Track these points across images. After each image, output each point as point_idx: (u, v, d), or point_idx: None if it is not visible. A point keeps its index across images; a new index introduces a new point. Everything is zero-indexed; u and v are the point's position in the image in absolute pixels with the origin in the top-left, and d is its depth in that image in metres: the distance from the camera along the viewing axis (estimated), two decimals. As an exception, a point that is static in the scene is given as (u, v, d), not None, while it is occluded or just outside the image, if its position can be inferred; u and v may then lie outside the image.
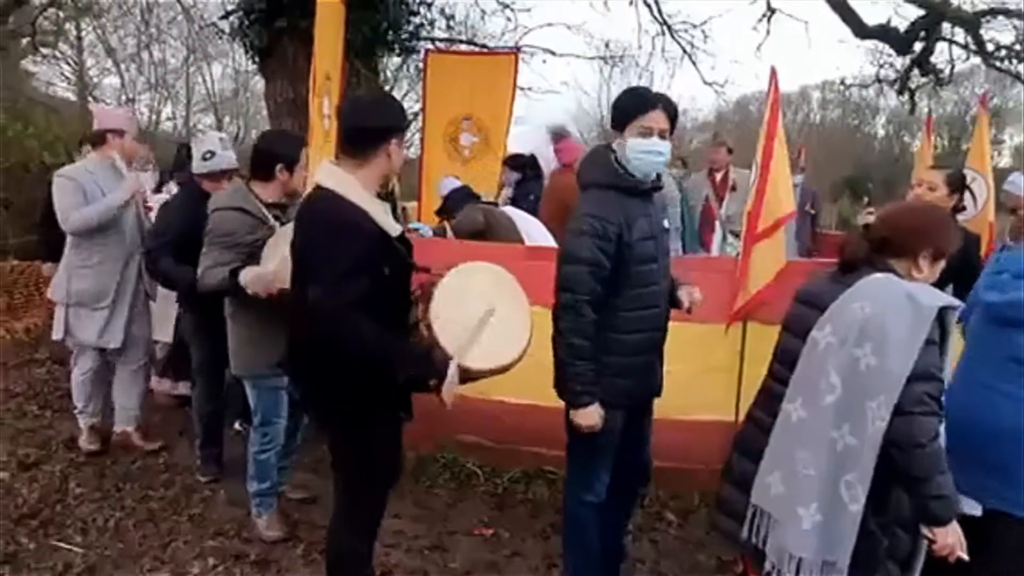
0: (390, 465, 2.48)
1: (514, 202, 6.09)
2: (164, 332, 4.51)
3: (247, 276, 2.87)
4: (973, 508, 2.30)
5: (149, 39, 13.01)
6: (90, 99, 13.79)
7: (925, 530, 2.01)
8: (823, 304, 2.10)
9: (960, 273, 2.84)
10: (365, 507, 2.48)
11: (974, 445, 2.27)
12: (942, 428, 2.02)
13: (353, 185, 2.21)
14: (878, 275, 2.07)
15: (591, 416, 2.51)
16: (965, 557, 2.01)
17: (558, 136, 6.01)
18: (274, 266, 2.83)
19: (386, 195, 2.47)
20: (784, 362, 2.21)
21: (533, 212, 6.16)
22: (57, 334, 4.01)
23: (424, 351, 2.19)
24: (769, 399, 2.25)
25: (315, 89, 4.94)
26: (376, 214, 2.20)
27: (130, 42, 13.58)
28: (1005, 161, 30.80)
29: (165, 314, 4.38)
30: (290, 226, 2.69)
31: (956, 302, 2.01)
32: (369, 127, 2.26)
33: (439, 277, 2.33)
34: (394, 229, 2.25)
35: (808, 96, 29.78)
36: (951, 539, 1.99)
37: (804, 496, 2.05)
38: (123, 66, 14.45)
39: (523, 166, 6.49)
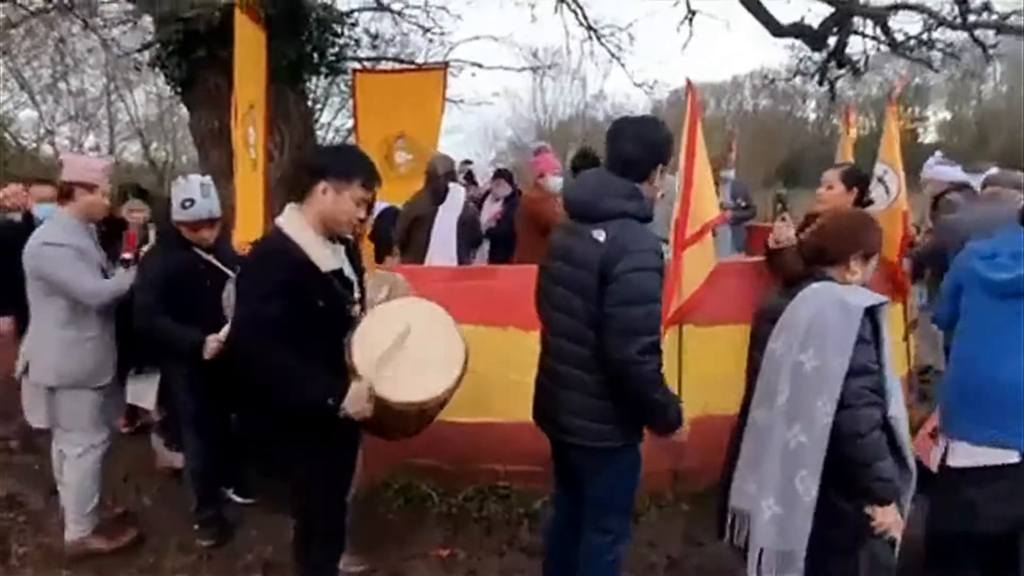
0: (339, 493, 2.58)
1: (504, 216, 6.15)
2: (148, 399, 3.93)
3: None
4: (1011, 456, 2.56)
5: (65, 69, 12.56)
6: (6, 134, 13.28)
7: (868, 509, 2.21)
8: (775, 317, 2.32)
9: None
10: (328, 538, 2.57)
11: (1011, 401, 2.54)
12: (901, 411, 2.25)
13: (298, 223, 2.36)
14: (816, 284, 2.28)
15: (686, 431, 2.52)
16: (898, 537, 2.22)
17: (538, 149, 6.01)
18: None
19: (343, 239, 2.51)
20: (755, 374, 2.42)
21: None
22: (43, 422, 3.41)
23: (327, 377, 2.30)
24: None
25: (238, 119, 4.88)
26: (312, 249, 2.32)
27: (45, 73, 13.12)
28: (931, 136, 32.29)
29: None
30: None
31: (882, 299, 2.22)
32: (304, 165, 2.51)
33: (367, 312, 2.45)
34: (329, 265, 2.35)
35: (741, 85, 30.58)
36: (890, 518, 2.19)
37: (765, 491, 2.24)
38: (39, 98, 13.94)
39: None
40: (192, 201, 3.30)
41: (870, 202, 3.60)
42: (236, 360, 2.38)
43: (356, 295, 2.50)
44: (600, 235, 2.37)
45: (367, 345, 2.37)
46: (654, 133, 2.50)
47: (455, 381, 2.42)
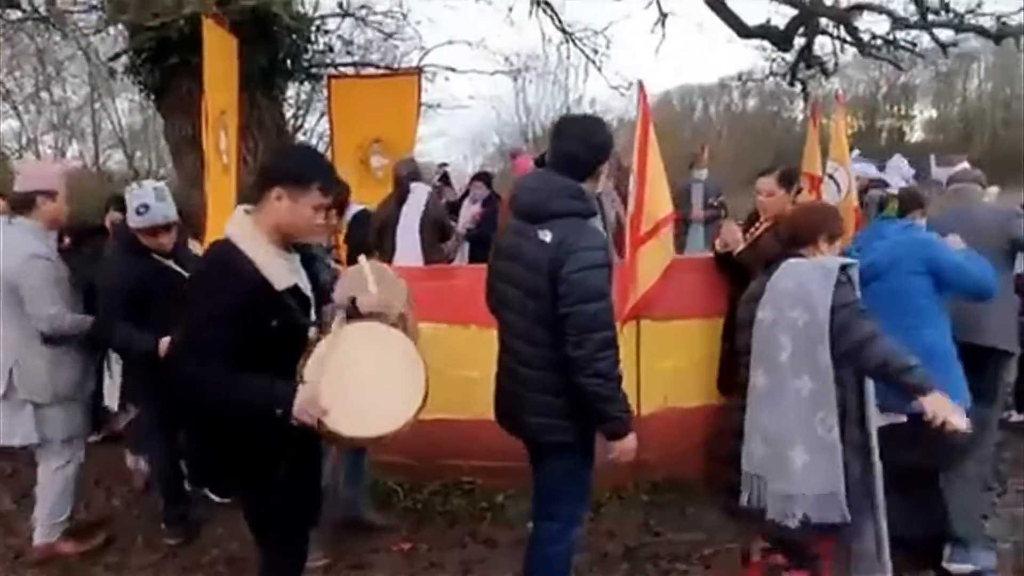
0: (299, 516, 2.41)
1: (484, 218, 6.34)
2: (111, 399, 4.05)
3: (365, 302, 2.76)
4: (899, 417, 2.78)
5: (48, 79, 12.61)
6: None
7: (917, 405, 2.32)
8: (759, 295, 2.61)
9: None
10: (286, 565, 2.43)
11: None
12: None
13: (250, 232, 2.17)
14: (791, 260, 2.60)
15: (634, 441, 2.51)
16: (960, 425, 2.29)
17: (515, 152, 6.17)
18: (376, 290, 2.76)
19: (303, 246, 2.37)
20: (748, 352, 2.65)
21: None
22: (30, 438, 3.34)
23: (272, 383, 2.11)
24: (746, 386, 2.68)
25: (209, 125, 4.95)
26: (266, 265, 2.13)
27: (27, 83, 13.14)
28: (917, 135, 32.59)
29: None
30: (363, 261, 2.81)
31: (852, 261, 2.56)
32: (260, 170, 2.32)
33: (323, 336, 2.25)
34: (284, 283, 2.16)
35: (728, 87, 30.70)
36: (938, 405, 2.29)
37: (788, 442, 2.42)
38: (22, 108, 13.95)
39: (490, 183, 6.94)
40: (146, 207, 3.29)
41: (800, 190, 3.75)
42: (174, 382, 2.22)
43: (312, 314, 2.33)
44: (546, 236, 2.42)
45: (325, 377, 2.17)
46: (597, 132, 2.55)
47: (412, 416, 2.28)
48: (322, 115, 14.22)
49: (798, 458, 2.40)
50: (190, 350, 2.12)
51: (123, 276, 3.35)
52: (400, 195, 5.27)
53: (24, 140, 14.30)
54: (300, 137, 13.05)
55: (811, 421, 2.40)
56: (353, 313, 2.69)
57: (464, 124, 26.10)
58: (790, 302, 2.46)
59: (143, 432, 4.00)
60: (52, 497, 3.46)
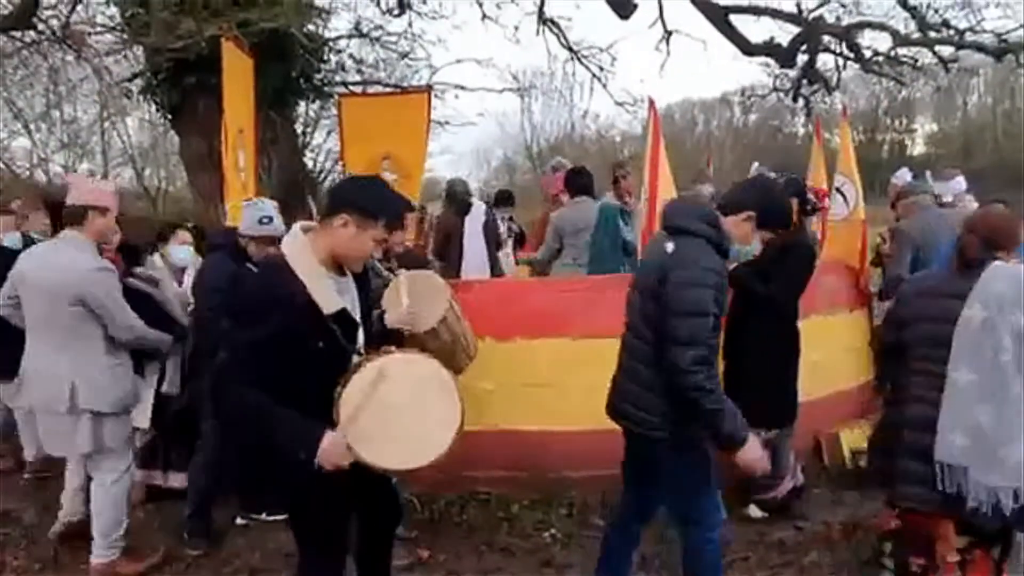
0: (336, 528, 2.43)
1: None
2: (142, 418, 3.92)
3: (391, 318, 2.89)
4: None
5: (59, 98, 12.78)
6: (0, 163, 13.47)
7: None
8: (962, 293, 2.57)
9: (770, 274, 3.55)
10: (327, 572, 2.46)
11: None
12: None
13: (304, 253, 2.21)
14: (998, 263, 2.57)
15: (753, 451, 2.57)
16: None
17: (557, 168, 6.45)
18: (407, 303, 2.91)
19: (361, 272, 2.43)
20: (934, 346, 2.63)
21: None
22: (86, 447, 3.30)
23: (302, 425, 2.15)
24: (929, 378, 2.67)
25: (228, 144, 5.06)
26: (316, 287, 2.17)
27: (38, 102, 13.32)
28: (919, 149, 32.79)
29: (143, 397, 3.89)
30: (407, 273, 3.05)
31: None
32: (331, 193, 2.39)
33: (364, 362, 2.25)
34: (332, 307, 2.19)
35: (730, 102, 31.01)
36: None
37: (1003, 439, 2.44)
38: (33, 127, 14.13)
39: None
40: (270, 219, 3.57)
41: (815, 208, 3.81)
42: (218, 403, 2.30)
43: (358, 338, 2.35)
44: (669, 246, 2.62)
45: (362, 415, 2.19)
46: (771, 190, 2.97)
47: (447, 447, 2.28)
48: (329, 132, 14.39)
49: (1014, 455, 2.44)
50: (235, 372, 2.15)
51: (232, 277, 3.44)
52: (461, 209, 6.09)
53: (35, 159, 14.48)
54: (308, 154, 13.18)
55: None
56: (381, 328, 2.79)
57: (467, 140, 26.41)
58: (1012, 304, 2.46)
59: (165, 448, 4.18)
60: (106, 512, 3.41)
